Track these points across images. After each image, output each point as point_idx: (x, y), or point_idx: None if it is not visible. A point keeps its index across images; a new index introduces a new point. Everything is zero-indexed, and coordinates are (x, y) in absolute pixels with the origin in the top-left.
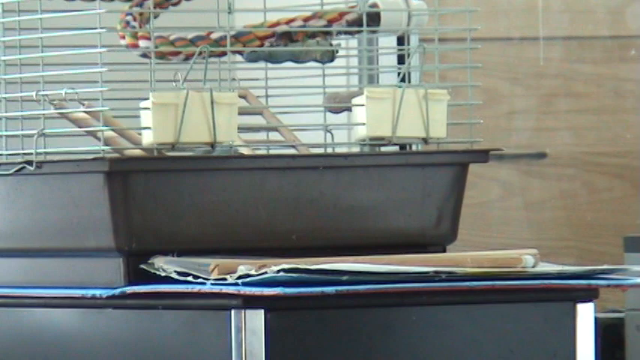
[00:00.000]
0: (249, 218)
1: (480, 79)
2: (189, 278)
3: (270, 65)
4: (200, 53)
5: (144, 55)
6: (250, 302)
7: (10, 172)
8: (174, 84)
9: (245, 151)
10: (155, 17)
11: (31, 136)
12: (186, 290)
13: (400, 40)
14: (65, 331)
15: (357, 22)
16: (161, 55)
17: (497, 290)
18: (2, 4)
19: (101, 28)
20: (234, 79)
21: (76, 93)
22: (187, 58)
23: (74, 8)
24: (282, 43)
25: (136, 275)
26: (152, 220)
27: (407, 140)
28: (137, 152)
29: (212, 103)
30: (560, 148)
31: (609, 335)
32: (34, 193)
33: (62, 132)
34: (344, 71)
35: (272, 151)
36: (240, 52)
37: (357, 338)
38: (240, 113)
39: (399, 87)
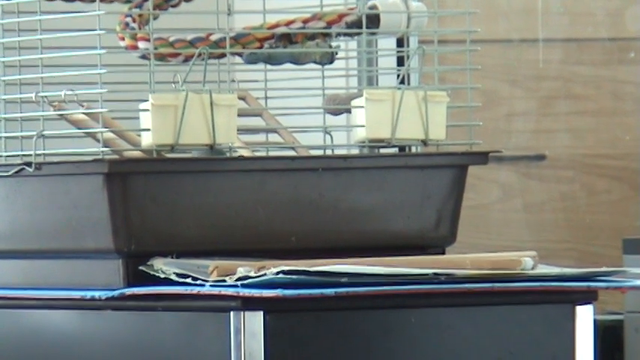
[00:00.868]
0: (249, 220)
1: (480, 81)
2: (189, 280)
3: (269, 67)
4: (199, 55)
5: (143, 57)
6: (249, 304)
7: (10, 173)
8: (173, 85)
9: (244, 152)
10: (154, 19)
11: (30, 137)
12: (185, 292)
13: (399, 42)
14: (64, 333)
15: (357, 24)
16: (160, 57)
17: (497, 292)
18: (1, 5)
19: (100, 29)
20: (233, 81)
21: (76, 94)
22: (187, 59)
23: (73, 9)
24: (282, 45)
25: (135, 277)
26: (151, 222)
27: (406, 142)
28: (136, 154)
29: (211, 104)
30: (559, 151)
31: (608, 337)
32: (33, 194)
33: (61, 133)
34: (343, 73)
35: (271, 153)
36: (239, 54)
37: (356, 340)
38: (239, 115)
39: (399, 89)
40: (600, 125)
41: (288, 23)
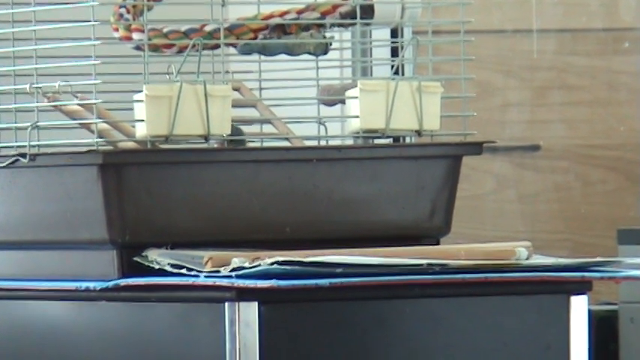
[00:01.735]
0: (243, 211)
1: (474, 72)
2: (183, 271)
3: (263, 58)
4: (194, 46)
5: (137, 48)
6: (244, 294)
7: (4, 164)
8: (167, 76)
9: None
10: (148, 10)
11: (24, 128)
12: (179, 283)
13: (394, 33)
14: (58, 324)
15: (351, 15)
16: (154, 48)
17: (491, 283)
18: None
19: (95, 20)
20: (227, 72)
21: (70, 85)
22: (181, 50)
23: (67, 0)
24: (276, 36)
25: (130, 268)
26: (146, 213)
27: (400, 133)
28: (131, 145)
29: (205, 95)
30: (553, 141)
31: (603, 327)
32: (28, 185)
33: (56, 124)
34: (337, 64)
35: (265, 144)
36: (233, 45)
37: (350, 330)
38: (233, 106)
39: (393, 79)
40: (595, 115)
41: (283, 14)
